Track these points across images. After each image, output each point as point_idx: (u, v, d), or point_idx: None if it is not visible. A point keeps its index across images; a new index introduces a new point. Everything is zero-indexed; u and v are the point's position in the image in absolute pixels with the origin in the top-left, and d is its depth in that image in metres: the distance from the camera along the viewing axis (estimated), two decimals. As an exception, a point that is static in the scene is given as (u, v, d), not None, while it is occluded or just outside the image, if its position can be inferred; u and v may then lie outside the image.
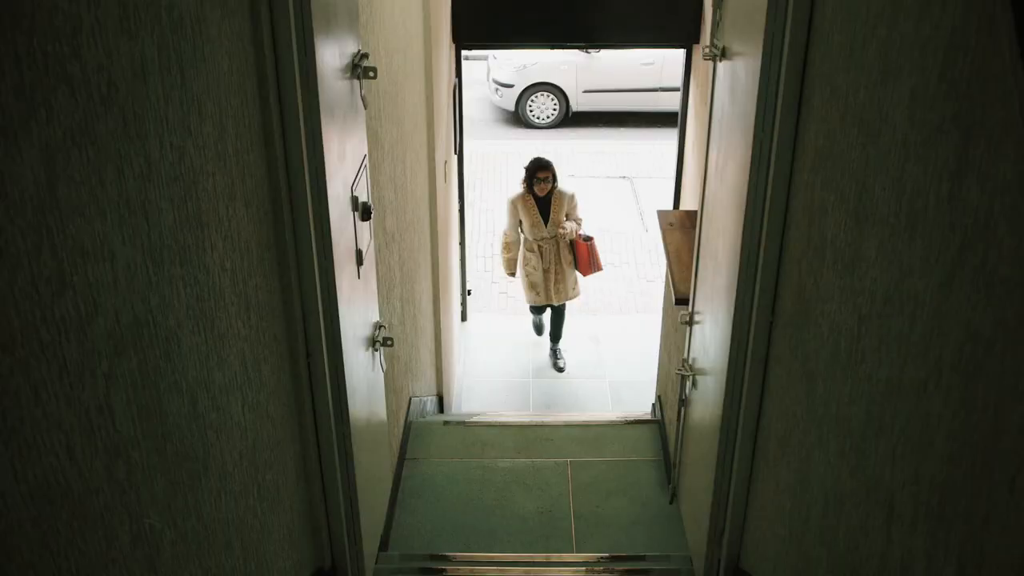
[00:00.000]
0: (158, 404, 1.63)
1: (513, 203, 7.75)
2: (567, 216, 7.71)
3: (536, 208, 7.64)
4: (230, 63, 2.03)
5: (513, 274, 8.14)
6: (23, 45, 1.16)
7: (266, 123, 2.33)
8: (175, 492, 1.73)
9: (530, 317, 8.88)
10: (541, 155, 7.79)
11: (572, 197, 7.72)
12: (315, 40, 2.46)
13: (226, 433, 2.04)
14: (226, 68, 2.01)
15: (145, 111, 1.55)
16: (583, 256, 7.83)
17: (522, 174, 7.78)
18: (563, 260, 7.86)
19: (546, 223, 7.67)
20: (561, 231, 7.62)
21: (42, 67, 1.21)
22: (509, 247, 8.01)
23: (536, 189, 7.53)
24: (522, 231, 7.83)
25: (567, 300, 8.19)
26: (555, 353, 8.70)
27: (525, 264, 7.97)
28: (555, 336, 8.67)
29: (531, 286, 8.02)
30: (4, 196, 1.12)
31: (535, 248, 7.79)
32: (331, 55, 2.72)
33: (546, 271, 7.88)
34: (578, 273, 7.99)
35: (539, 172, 7.50)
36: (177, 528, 1.74)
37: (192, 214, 1.79)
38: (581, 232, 7.81)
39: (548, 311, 8.59)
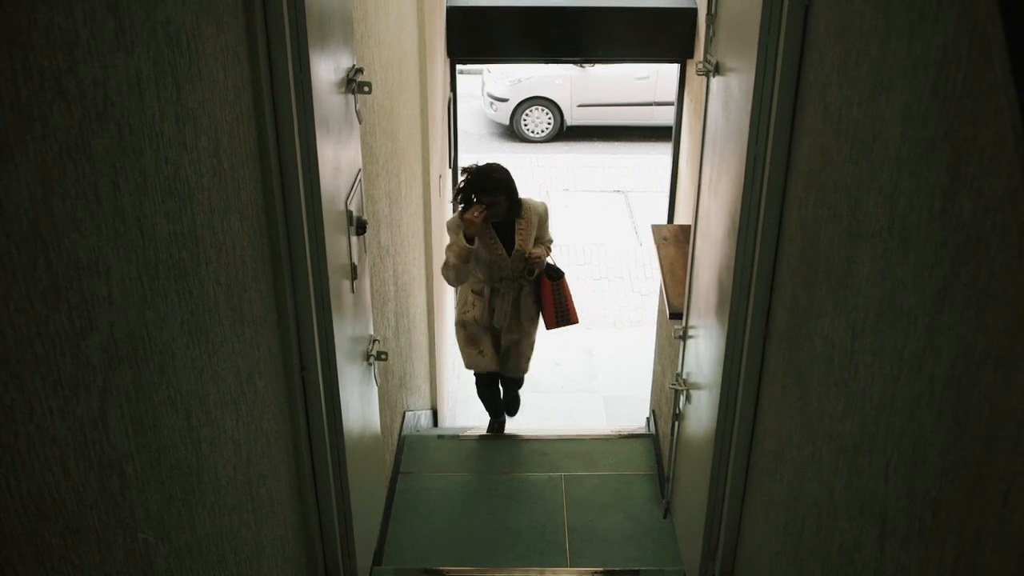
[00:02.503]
0: (152, 418, 1.63)
1: (457, 228, 5.00)
2: (539, 240, 5.26)
3: (495, 232, 5.10)
4: (225, 77, 2.04)
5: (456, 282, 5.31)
6: (19, 60, 1.17)
7: (261, 137, 2.34)
8: (169, 506, 1.73)
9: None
10: (489, 161, 5.12)
11: (544, 212, 5.26)
12: (310, 55, 2.46)
13: (220, 447, 2.04)
14: (221, 82, 2.01)
15: (141, 126, 1.56)
16: (548, 301, 5.37)
17: (459, 185, 5.21)
18: (523, 311, 5.38)
19: (509, 253, 5.14)
20: (534, 259, 5.16)
21: (38, 82, 1.22)
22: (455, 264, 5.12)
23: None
24: (479, 265, 5.20)
25: (523, 372, 5.77)
26: (500, 426, 6.23)
27: (463, 311, 5.44)
28: (507, 409, 6.21)
29: (470, 341, 5.47)
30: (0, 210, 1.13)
31: (485, 292, 5.29)
32: (326, 70, 2.73)
33: (497, 329, 5.43)
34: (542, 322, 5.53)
35: (482, 194, 4.93)
36: (171, 542, 1.74)
37: (187, 228, 1.79)
38: (548, 260, 5.35)
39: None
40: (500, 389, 6.02)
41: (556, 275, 5.34)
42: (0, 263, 1.13)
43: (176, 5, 1.72)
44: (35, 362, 1.22)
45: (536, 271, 5.26)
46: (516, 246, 5.12)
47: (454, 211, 5.16)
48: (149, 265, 1.60)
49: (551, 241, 5.39)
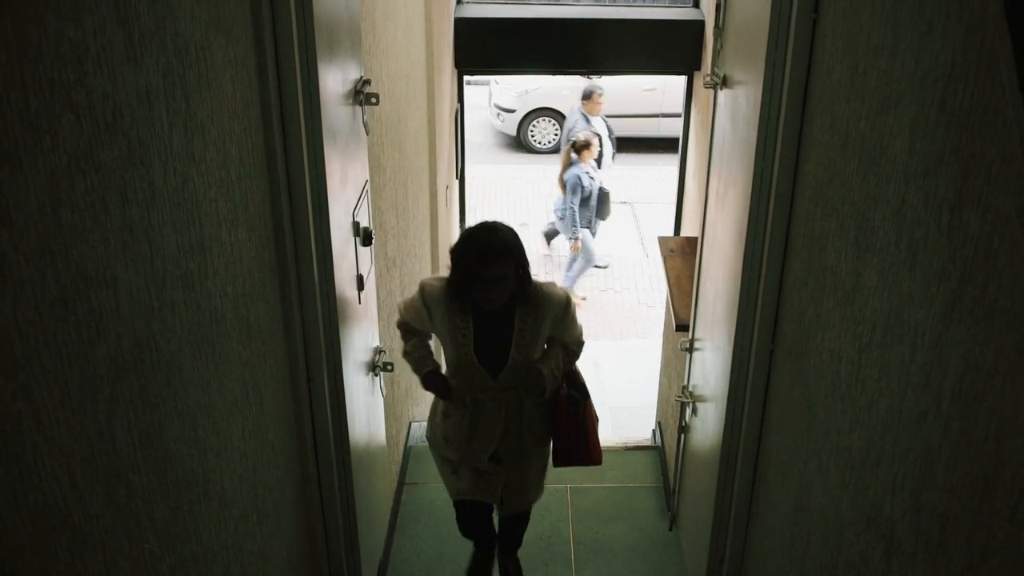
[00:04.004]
0: (159, 429, 1.63)
1: (426, 302, 3.42)
2: (546, 346, 3.51)
3: (471, 327, 3.38)
4: (234, 89, 2.05)
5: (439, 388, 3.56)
6: (29, 72, 1.17)
7: (269, 149, 2.34)
8: (175, 517, 1.73)
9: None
10: (488, 220, 3.39)
11: (563, 307, 3.43)
12: (318, 66, 2.47)
13: (226, 457, 2.04)
14: (230, 94, 2.02)
15: (149, 137, 1.56)
16: (561, 430, 3.63)
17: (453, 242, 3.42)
18: (527, 433, 3.58)
19: (497, 366, 3.41)
20: (533, 382, 3.41)
21: (48, 94, 1.22)
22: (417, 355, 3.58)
23: (480, 299, 3.27)
24: (448, 366, 3.54)
25: (528, 505, 3.94)
26: (486, 561, 4.26)
27: (431, 420, 3.74)
28: (506, 546, 4.23)
29: (444, 460, 3.73)
30: (8, 222, 1.13)
31: (467, 402, 3.50)
32: (334, 81, 2.73)
33: (482, 449, 3.57)
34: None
35: (486, 268, 3.19)
36: (176, 553, 1.74)
37: (195, 239, 1.80)
38: (562, 387, 3.58)
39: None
40: (492, 518, 4.09)
41: (575, 402, 3.58)
42: (9, 274, 1.13)
43: (185, 17, 1.73)
44: (43, 373, 1.23)
45: (535, 395, 3.44)
46: (512, 355, 3.34)
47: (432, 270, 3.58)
48: (156, 276, 1.60)
49: (577, 347, 3.56)
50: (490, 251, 3.18)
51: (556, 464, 3.70)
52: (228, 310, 2.02)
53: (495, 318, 3.34)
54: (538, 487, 3.82)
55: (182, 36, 1.71)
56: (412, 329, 3.55)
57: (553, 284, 3.49)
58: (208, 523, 1.92)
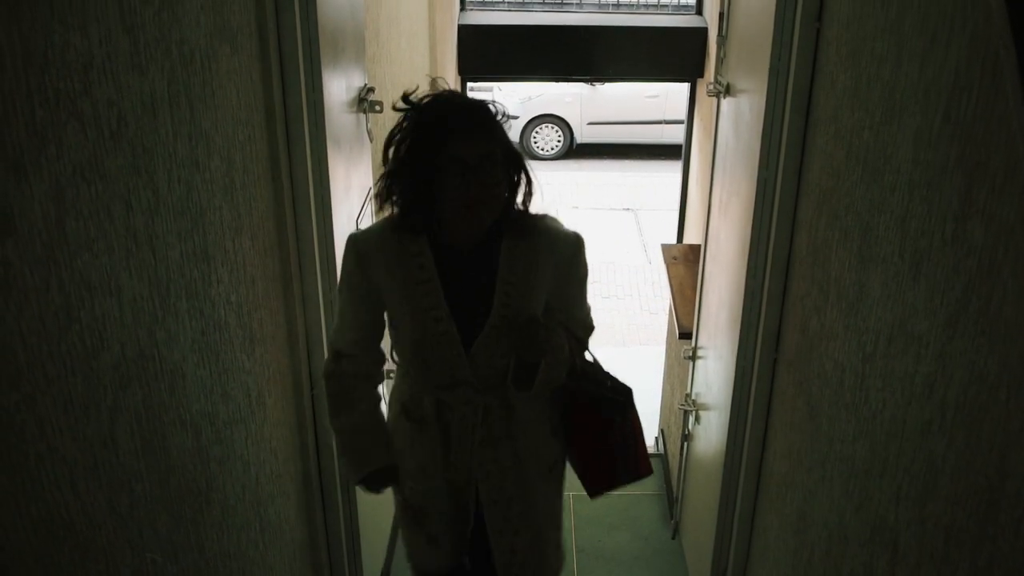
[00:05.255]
0: (162, 438, 1.63)
1: (361, 260, 2.28)
2: (551, 316, 2.31)
3: (434, 273, 2.24)
4: (238, 97, 2.05)
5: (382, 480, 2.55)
6: (35, 81, 1.17)
7: (273, 156, 2.35)
8: (177, 526, 1.73)
9: None
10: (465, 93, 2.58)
11: (575, 250, 2.32)
12: (322, 74, 2.48)
13: (229, 466, 2.04)
14: (234, 102, 2.02)
15: (154, 145, 1.56)
16: (599, 446, 2.54)
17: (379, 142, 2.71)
18: (526, 454, 2.47)
19: (470, 335, 2.27)
20: (525, 333, 2.22)
21: (53, 103, 1.22)
22: (345, 384, 2.44)
23: (457, 213, 2.14)
24: (392, 356, 2.47)
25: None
26: None
27: (395, 439, 2.51)
28: None
29: (412, 518, 2.62)
30: (13, 231, 1.13)
31: (430, 410, 2.41)
32: (338, 89, 2.74)
33: (460, 489, 2.50)
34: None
35: (467, 143, 2.07)
36: (178, 562, 1.74)
37: (198, 247, 1.80)
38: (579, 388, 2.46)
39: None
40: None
41: (618, 407, 2.50)
42: (13, 283, 1.13)
43: (190, 26, 1.73)
44: (46, 382, 1.22)
45: (527, 379, 2.28)
46: (496, 313, 2.25)
47: (376, 211, 2.45)
48: (160, 284, 1.60)
49: (585, 333, 2.49)
50: (470, 113, 2.11)
51: (596, 492, 2.57)
52: (232, 318, 2.02)
53: (466, 262, 2.25)
54: (557, 552, 2.68)
55: (187, 44, 1.72)
56: (351, 369, 2.39)
57: (557, 219, 2.31)
58: (210, 532, 1.92)
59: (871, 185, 1.90)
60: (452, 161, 2.06)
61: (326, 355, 2.54)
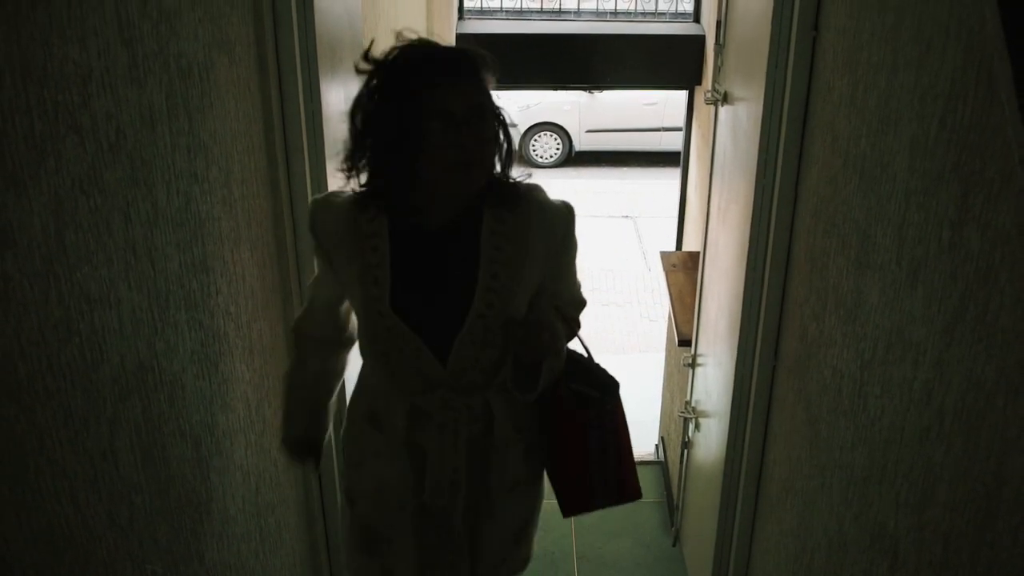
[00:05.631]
0: (162, 449, 1.63)
1: (319, 233, 2.00)
2: (543, 301, 2.02)
3: (386, 264, 1.94)
4: (237, 108, 2.05)
5: None
6: (34, 95, 1.18)
7: (272, 167, 2.35)
8: (177, 537, 1.73)
9: None
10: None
11: (566, 225, 2.02)
12: (321, 85, 2.48)
13: (229, 476, 2.04)
14: (233, 113, 2.03)
15: (153, 158, 1.57)
16: (575, 454, 2.13)
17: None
18: (496, 469, 2.14)
19: (445, 336, 1.96)
20: (528, 335, 1.93)
21: (52, 116, 1.23)
22: (307, 374, 2.23)
23: (444, 178, 1.84)
24: (361, 343, 2.11)
25: None
26: None
27: (349, 462, 2.25)
28: None
29: (365, 540, 2.23)
30: (12, 244, 1.13)
31: (400, 416, 2.06)
32: (336, 99, 2.74)
33: (437, 514, 2.12)
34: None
35: (453, 92, 1.78)
36: (179, 573, 1.74)
37: (198, 259, 1.80)
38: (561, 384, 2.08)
39: None
40: None
41: (596, 404, 2.13)
42: (12, 296, 1.14)
43: (189, 38, 1.74)
44: (46, 395, 1.23)
45: (529, 381, 2.01)
46: (476, 310, 1.95)
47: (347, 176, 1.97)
48: (160, 296, 1.61)
49: (576, 310, 2.20)
50: (453, 60, 1.83)
51: (570, 512, 2.25)
52: (231, 329, 2.03)
53: (437, 244, 1.94)
54: (526, 543, 2.40)
55: (185, 57, 1.72)
56: (312, 329, 2.18)
57: (540, 188, 2.03)
58: (211, 542, 1.92)
59: (868, 192, 1.91)
60: (438, 116, 1.77)
61: None
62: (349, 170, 1.92)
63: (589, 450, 2.13)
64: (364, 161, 1.89)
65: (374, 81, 1.85)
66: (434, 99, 1.77)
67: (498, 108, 1.89)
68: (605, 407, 2.13)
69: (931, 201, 1.58)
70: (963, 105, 1.47)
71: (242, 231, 2.10)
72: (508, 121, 1.92)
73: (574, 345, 2.19)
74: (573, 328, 2.13)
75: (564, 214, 2.03)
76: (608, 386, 2.15)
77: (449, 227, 1.94)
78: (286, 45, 2.34)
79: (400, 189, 1.88)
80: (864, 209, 1.93)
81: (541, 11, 8.04)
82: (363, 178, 1.93)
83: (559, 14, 8.11)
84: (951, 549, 1.51)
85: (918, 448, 1.64)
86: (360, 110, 1.86)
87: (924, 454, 1.61)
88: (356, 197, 1.95)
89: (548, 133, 14.31)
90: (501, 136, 1.91)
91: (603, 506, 2.24)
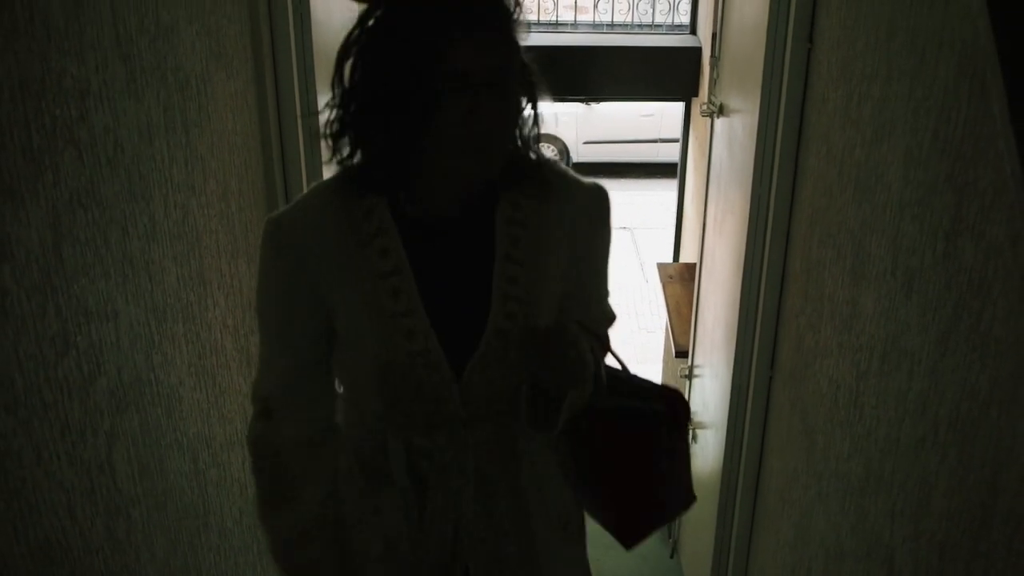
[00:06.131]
0: (159, 462, 1.63)
1: (283, 253, 1.49)
2: (568, 313, 1.61)
3: (406, 265, 1.48)
4: (234, 122, 2.06)
5: None
6: (32, 108, 1.19)
7: (269, 180, 2.36)
8: (175, 550, 1.73)
9: None
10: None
11: (603, 211, 1.67)
12: (318, 98, 2.49)
13: (226, 489, 2.04)
14: (230, 127, 2.03)
15: (150, 171, 1.57)
16: (640, 484, 1.71)
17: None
18: (535, 506, 1.69)
19: (460, 355, 1.52)
20: (563, 351, 1.50)
21: (50, 130, 1.24)
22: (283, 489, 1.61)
23: (451, 159, 1.41)
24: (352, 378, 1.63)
25: None
26: None
27: (352, 518, 1.66)
28: None
29: None
30: (10, 258, 1.14)
31: (399, 460, 1.59)
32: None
33: (440, 572, 1.64)
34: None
35: (464, 44, 1.33)
36: (176, 586, 1.74)
37: (195, 272, 1.81)
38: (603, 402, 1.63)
39: None
40: None
41: (650, 417, 1.71)
42: (10, 310, 1.14)
43: (186, 52, 1.75)
44: (43, 408, 1.23)
45: (549, 415, 1.55)
46: (495, 323, 1.52)
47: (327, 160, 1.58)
48: (157, 309, 1.61)
49: (610, 322, 1.86)
50: (471, 5, 1.37)
51: (636, 540, 1.80)
52: (228, 342, 2.03)
53: (444, 240, 1.54)
54: None
55: (183, 71, 1.73)
56: (288, 433, 1.59)
57: (565, 167, 1.68)
58: (208, 555, 1.92)
59: (863, 203, 1.92)
60: (451, 78, 1.33)
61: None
62: (337, 141, 1.47)
63: (656, 475, 1.71)
64: (361, 129, 1.44)
65: (371, 22, 1.38)
66: (447, 56, 1.33)
67: (526, 66, 1.49)
68: (678, 421, 1.73)
69: (925, 212, 1.59)
70: (956, 116, 1.48)
71: (239, 244, 2.10)
72: (536, 82, 1.53)
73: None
74: (605, 347, 1.69)
75: (598, 196, 1.63)
76: (666, 398, 1.75)
77: (453, 217, 1.52)
78: (283, 58, 2.35)
79: (400, 170, 1.46)
80: (859, 220, 1.94)
81: (538, 23, 8.06)
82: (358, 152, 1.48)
83: (556, 26, 8.13)
84: (947, 559, 1.51)
85: (913, 458, 1.64)
86: (351, 58, 1.40)
87: (919, 464, 1.61)
88: (336, 185, 1.50)
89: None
90: (526, 105, 1.52)
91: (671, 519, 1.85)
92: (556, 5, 8.21)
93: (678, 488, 1.77)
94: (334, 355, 1.59)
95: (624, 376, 1.75)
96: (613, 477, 1.72)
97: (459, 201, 1.52)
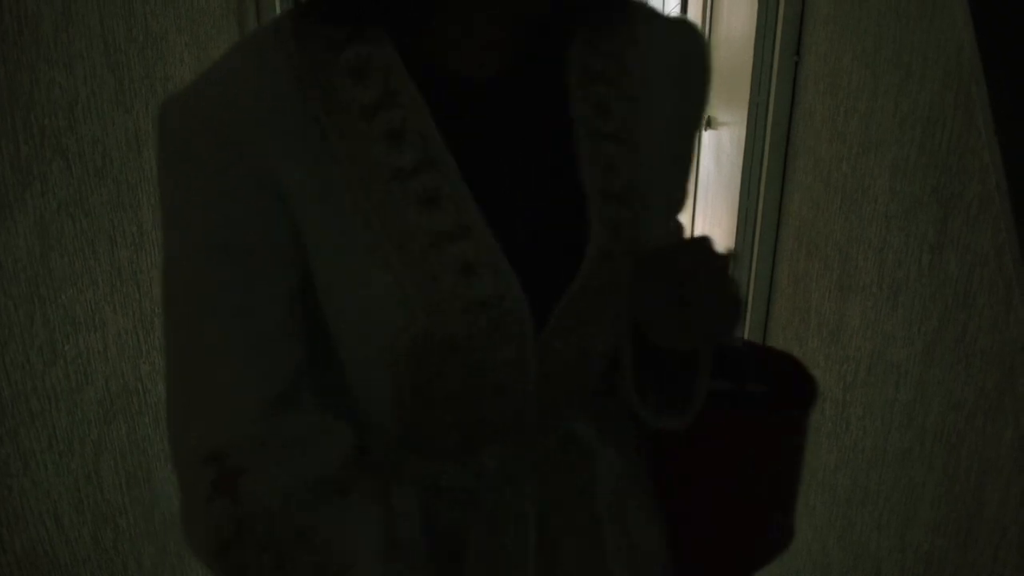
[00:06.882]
0: (147, 471, 1.63)
1: (218, 147, 0.76)
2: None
3: (452, 168, 0.78)
4: (223, 132, 2.06)
5: None
6: (21, 120, 1.19)
7: (258, 190, 2.35)
8: (163, 559, 1.72)
9: None
10: None
11: (703, 54, 0.94)
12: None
13: (213, 500, 2.03)
14: (219, 137, 2.03)
15: (139, 181, 1.57)
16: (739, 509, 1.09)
17: None
18: (609, 536, 1.02)
19: (544, 294, 0.82)
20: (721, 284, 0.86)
21: (39, 141, 1.23)
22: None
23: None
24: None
25: None
26: None
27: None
28: None
29: None
30: (-2, 267, 1.14)
31: (414, 516, 0.91)
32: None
33: None
34: None
35: None
36: (163, 597, 1.73)
37: (183, 281, 1.80)
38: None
39: None
40: None
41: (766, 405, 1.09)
42: (-2, 319, 1.14)
43: (175, 62, 1.75)
44: (31, 417, 1.23)
45: (681, 391, 0.97)
46: (596, 222, 0.84)
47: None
48: (145, 318, 1.61)
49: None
50: None
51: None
52: (216, 351, 2.02)
53: (491, 115, 0.85)
54: None
55: (172, 81, 1.73)
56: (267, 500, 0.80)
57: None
58: (196, 564, 1.91)
59: (850, 215, 1.93)
60: None
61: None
62: None
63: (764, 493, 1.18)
64: None
65: None
66: None
67: None
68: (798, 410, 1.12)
69: (911, 224, 1.60)
70: (942, 129, 1.49)
71: (228, 254, 2.10)
72: None
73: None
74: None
75: (697, 42, 0.97)
76: (781, 372, 1.17)
77: (497, 73, 0.85)
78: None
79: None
80: (846, 232, 1.95)
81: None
82: None
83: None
84: (933, 569, 1.51)
85: (900, 469, 1.65)
86: None
87: (906, 475, 1.62)
88: (287, 27, 0.81)
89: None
90: None
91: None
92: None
93: (785, 513, 1.23)
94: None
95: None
96: (704, 501, 1.12)
97: (506, 44, 0.85)
